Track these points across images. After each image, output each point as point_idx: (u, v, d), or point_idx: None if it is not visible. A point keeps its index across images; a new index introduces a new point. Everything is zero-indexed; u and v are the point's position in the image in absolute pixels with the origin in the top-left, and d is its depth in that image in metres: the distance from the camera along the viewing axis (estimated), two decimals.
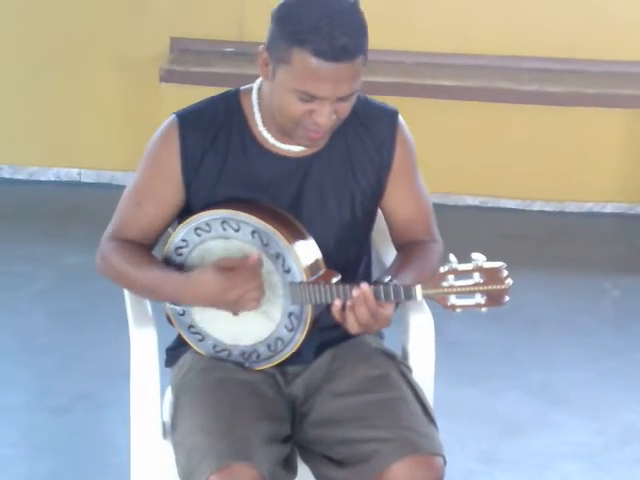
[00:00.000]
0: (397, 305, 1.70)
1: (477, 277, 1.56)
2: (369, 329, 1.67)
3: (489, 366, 3.01)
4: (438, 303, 1.61)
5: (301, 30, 1.60)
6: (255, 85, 1.79)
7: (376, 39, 4.45)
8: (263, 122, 1.76)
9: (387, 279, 1.66)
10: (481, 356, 3.06)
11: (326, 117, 1.65)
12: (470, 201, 4.20)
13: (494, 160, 4.16)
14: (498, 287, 1.56)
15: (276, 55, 1.65)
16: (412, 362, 1.86)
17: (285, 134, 1.73)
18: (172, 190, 1.78)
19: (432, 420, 1.72)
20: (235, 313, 1.73)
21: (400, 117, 1.84)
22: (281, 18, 1.64)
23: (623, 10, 4.04)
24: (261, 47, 1.69)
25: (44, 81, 4.12)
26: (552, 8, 4.04)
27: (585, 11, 4.04)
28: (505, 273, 1.57)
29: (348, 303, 1.64)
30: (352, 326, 1.66)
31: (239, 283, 1.66)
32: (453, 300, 1.59)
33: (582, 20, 4.03)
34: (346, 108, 1.69)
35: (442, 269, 1.58)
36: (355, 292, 1.63)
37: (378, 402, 1.71)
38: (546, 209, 4.20)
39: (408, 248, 1.82)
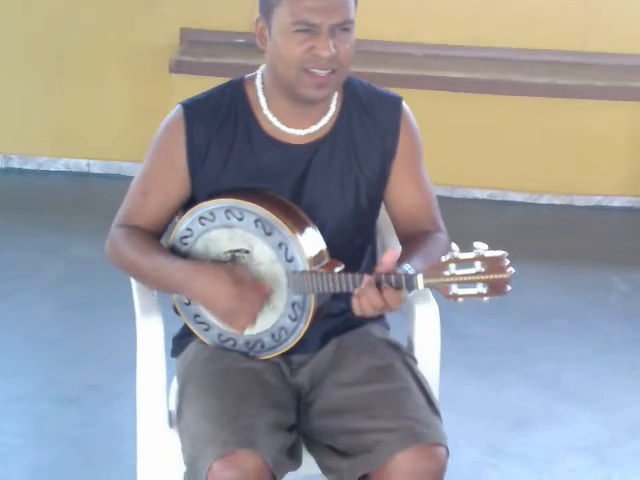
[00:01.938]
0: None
1: (479, 266, 1.55)
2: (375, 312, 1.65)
3: (496, 358, 3.00)
4: (440, 292, 1.60)
5: None
6: (259, 71, 1.81)
7: (386, 31, 4.45)
8: (268, 105, 1.77)
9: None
10: (488, 348, 3.06)
11: (326, 47, 1.67)
12: (478, 194, 4.19)
13: (502, 153, 4.15)
14: (500, 276, 1.55)
15: (268, 9, 1.71)
16: (417, 353, 1.86)
17: (292, 95, 1.73)
18: (178, 180, 1.79)
19: (436, 411, 1.72)
20: (219, 321, 1.73)
21: (404, 104, 1.84)
22: None
23: (634, 3, 4.03)
24: (255, 18, 1.75)
25: (54, 72, 4.13)
26: (563, 1, 4.03)
27: (596, 4, 4.02)
28: (507, 262, 1.55)
29: (355, 292, 1.64)
30: (357, 311, 1.65)
31: (244, 299, 1.67)
32: (455, 289, 1.57)
33: (593, 13, 4.02)
34: (346, 48, 1.70)
35: (444, 258, 1.57)
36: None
37: (382, 392, 1.71)
38: (554, 202, 4.19)
39: (414, 237, 1.81)
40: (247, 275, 1.70)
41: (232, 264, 1.72)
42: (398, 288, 1.62)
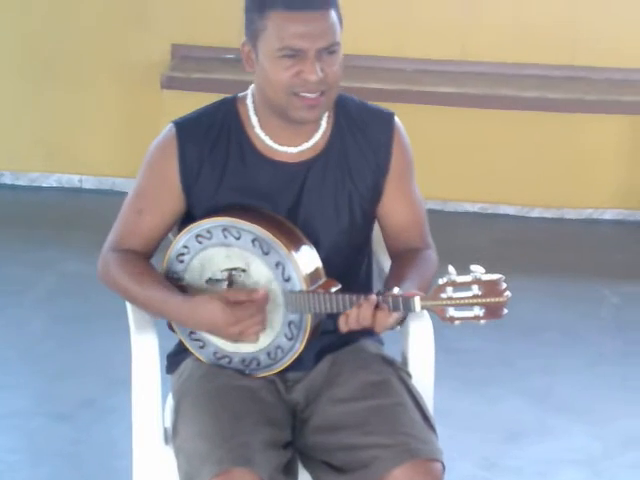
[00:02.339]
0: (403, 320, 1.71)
1: (476, 289, 1.56)
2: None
3: (488, 372, 3.01)
4: (436, 315, 1.61)
5: None
6: (250, 90, 1.81)
7: (375, 46, 4.47)
8: (260, 124, 1.78)
9: (395, 291, 1.66)
10: (480, 362, 3.07)
11: (314, 71, 1.67)
12: (469, 207, 4.21)
13: (493, 166, 4.17)
14: (497, 300, 1.56)
15: (254, 33, 1.71)
16: (412, 368, 1.86)
17: (282, 116, 1.73)
18: (172, 198, 1.79)
19: (431, 426, 1.73)
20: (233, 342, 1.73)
21: (397, 119, 1.85)
22: None
23: (623, 17, 4.06)
24: (241, 42, 1.75)
25: (46, 87, 4.13)
26: (552, 15, 4.06)
27: (585, 18, 4.05)
28: (504, 286, 1.56)
29: (347, 312, 1.65)
30: (342, 325, 1.68)
31: (244, 319, 1.68)
32: (452, 312, 1.59)
33: (582, 27, 4.05)
34: (334, 70, 1.71)
35: (440, 281, 1.58)
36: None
37: (378, 408, 1.71)
38: (545, 215, 4.21)
39: (404, 256, 1.83)
40: (241, 293, 1.70)
41: (224, 289, 1.72)
42: (395, 310, 1.63)
